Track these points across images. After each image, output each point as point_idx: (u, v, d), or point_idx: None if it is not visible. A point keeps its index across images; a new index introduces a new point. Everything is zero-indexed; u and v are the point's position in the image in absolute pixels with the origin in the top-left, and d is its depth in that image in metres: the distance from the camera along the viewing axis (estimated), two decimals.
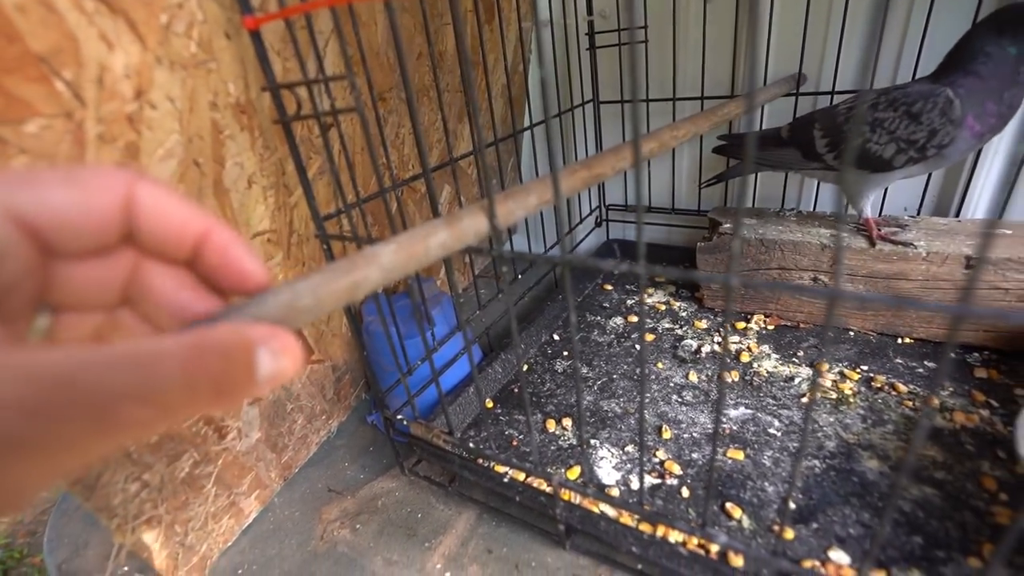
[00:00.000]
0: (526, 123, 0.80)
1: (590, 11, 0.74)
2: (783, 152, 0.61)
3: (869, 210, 0.59)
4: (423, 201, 0.68)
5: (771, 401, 0.54)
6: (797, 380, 0.56)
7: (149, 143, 0.33)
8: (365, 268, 0.18)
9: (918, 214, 0.68)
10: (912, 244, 0.56)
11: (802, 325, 0.64)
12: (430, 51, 0.40)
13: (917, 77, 0.58)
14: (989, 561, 0.36)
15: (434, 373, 0.45)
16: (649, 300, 0.73)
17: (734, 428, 0.51)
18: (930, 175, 0.65)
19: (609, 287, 0.78)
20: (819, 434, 0.49)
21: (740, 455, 0.48)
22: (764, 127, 0.71)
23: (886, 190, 0.68)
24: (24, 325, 0.16)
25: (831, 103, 0.65)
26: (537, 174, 0.85)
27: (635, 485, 0.46)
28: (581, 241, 0.90)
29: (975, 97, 0.48)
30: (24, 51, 0.26)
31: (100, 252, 0.16)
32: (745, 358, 0.60)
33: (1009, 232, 0.56)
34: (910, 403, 0.51)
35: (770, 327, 0.65)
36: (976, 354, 0.56)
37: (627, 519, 0.41)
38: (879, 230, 0.58)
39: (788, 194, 0.75)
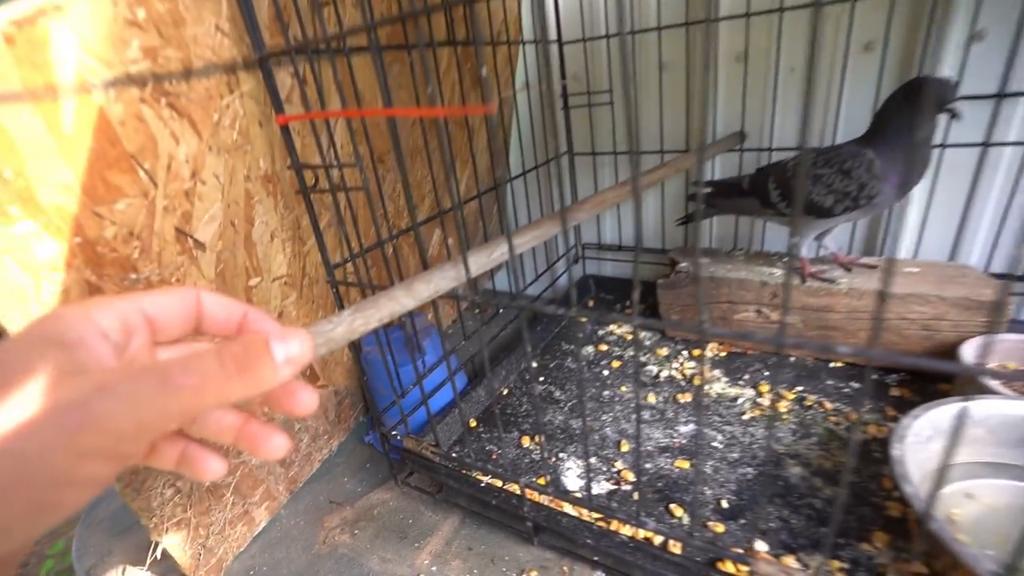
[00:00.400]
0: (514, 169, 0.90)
1: (563, 75, 0.86)
2: (745, 201, 0.71)
3: (805, 251, 0.69)
4: (415, 246, 0.77)
5: (717, 419, 0.62)
6: (741, 400, 0.65)
7: (199, 211, 0.42)
8: (390, 304, 0.27)
9: (849, 254, 0.78)
10: (834, 281, 0.65)
11: (749, 352, 0.73)
12: (421, 120, 0.50)
13: (842, 134, 0.69)
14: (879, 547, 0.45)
15: (423, 396, 0.54)
16: (619, 331, 0.82)
17: (683, 442, 0.59)
18: (853, 225, 0.76)
19: (583, 319, 0.87)
20: (754, 445, 0.57)
21: (686, 464, 0.56)
22: (716, 177, 0.82)
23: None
24: None
25: (769, 158, 0.76)
26: (516, 222, 0.95)
27: (596, 490, 0.54)
28: (559, 276, 0.99)
29: (893, 156, 0.58)
30: (121, 151, 0.35)
31: (182, 339, 0.24)
32: (697, 381, 0.69)
33: (917, 270, 0.66)
34: (834, 418, 0.60)
35: (722, 353, 0.74)
36: (894, 375, 0.65)
37: (586, 516, 0.49)
38: (810, 268, 0.68)
39: (740, 234, 0.85)
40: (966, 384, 0.56)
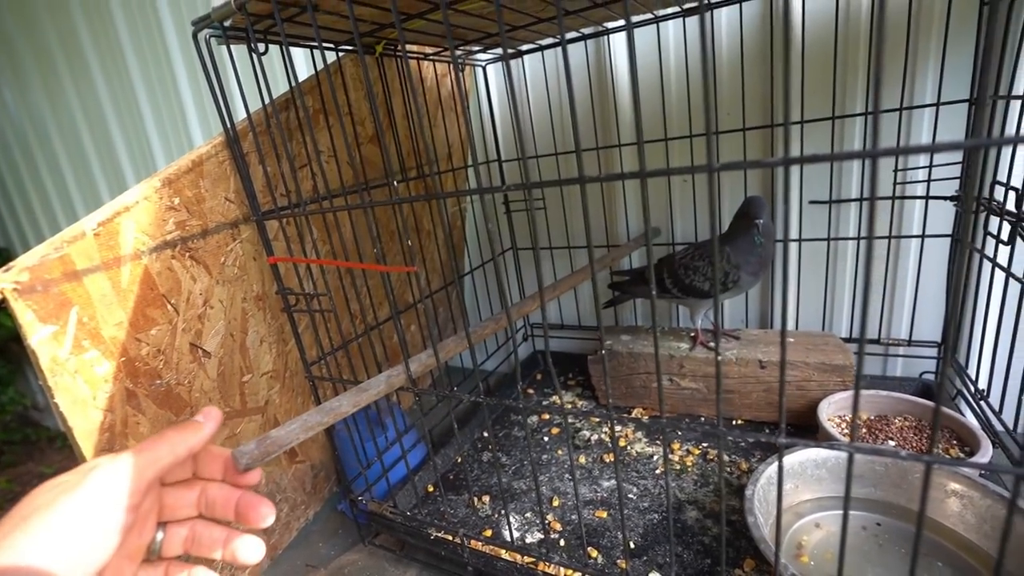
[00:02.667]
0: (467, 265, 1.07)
1: (503, 183, 1.05)
2: (646, 287, 0.88)
3: (699, 323, 0.85)
4: (377, 338, 0.92)
5: (635, 474, 0.75)
6: (656, 457, 0.78)
7: (207, 328, 0.57)
8: (330, 415, 0.42)
9: (746, 326, 0.95)
10: (718, 351, 0.81)
11: (666, 415, 0.88)
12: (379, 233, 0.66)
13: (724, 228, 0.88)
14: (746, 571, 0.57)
15: (383, 469, 0.67)
16: (559, 400, 0.96)
17: (604, 495, 0.72)
18: (747, 297, 0.93)
19: (531, 391, 1.01)
20: (662, 495, 0.71)
21: (604, 514, 0.69)
22: (634, 266, 1.00)
23: (723, 308, 0.95)
24: (149, 539, 0.33)
25: (672, 250, 0.94)
26: (478, 305, 1.12)
27: (529, 539, 0.66)
28: (511, 352, 1.14)
29: (743, 251, 0.75)
30: (157, 293, 0.51)
31: (184, 484, 0.35)
32: (623, 443, 0.82)
33: (792, 340, 0.83)
34: (729, 469, 0.74)
35: (644, 417, 0.88)
36: (783, 433, 0.79)
37: (518, 560, 0.61)
38: (702, 338, 0.84)
39: (660, 314, 1.01)
40: (826, 434, 0.71)
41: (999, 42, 0.62)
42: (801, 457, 0.64)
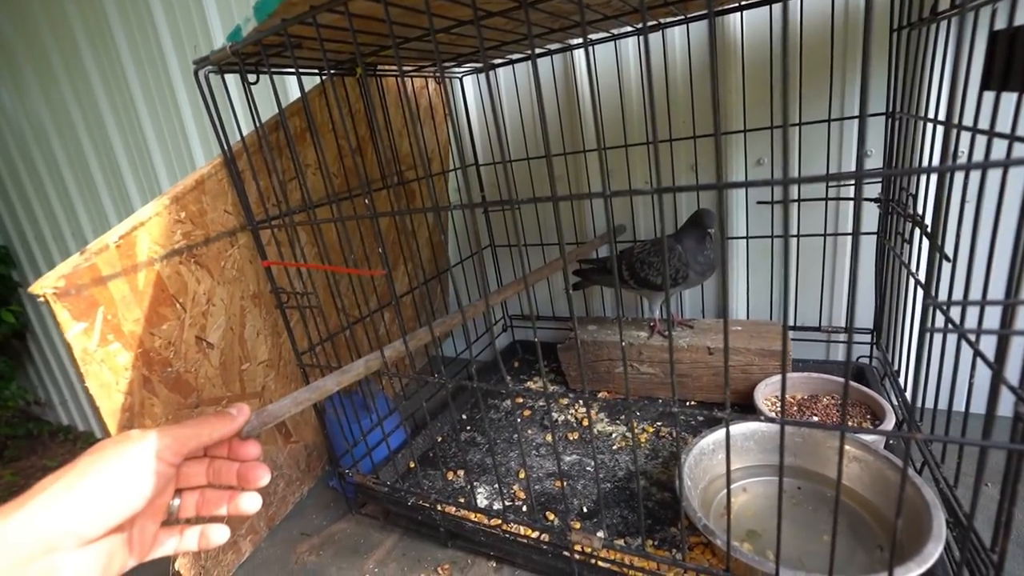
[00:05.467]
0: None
1: (482, 188, 1.14)
2: (607, 277, 0.98)
3: (657, 314, 0.95)
4: (368, 327, 1.02)
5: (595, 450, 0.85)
6: (615, 435, 0.88)
7: (211, 324, 0.67)
8: (319, 391, 0.51)
9: (703, 316, 1.05)
10: (672, 338, 0.91)
11: (628, 397, 0.98)
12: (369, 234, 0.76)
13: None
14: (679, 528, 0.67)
15: (367, 449, 0.76)
16: (533, 385, 1.06)
17: (565, 468, 0.82)
18: (703, 289, 1.03)
19: (508, 378, 1.11)
20: (616, 468, 0.81)
21: (562, 484, 0.79)
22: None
23: (683, 298, 1.05)
24: (167, 502, 0.40)
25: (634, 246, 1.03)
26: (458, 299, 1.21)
27: (497, 506, 0.76)
28: (491, 342, 1.24)
29: (693, 252, 0.85)
30: (167, 294, 0.60)
31: (197, 459, 0.43)
32: (586, 423, 0.92)
33: (739, 328, 0.92)
34: (679, 444, 0.84)
35: (609, 398, 0.98)
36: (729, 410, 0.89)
37: (484, 523, 0.71)
38: (659, 327, 0.94)
39: (626, 306, 1.11)
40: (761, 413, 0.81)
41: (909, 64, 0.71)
42: (733, 431, 0.73)
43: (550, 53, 0.96)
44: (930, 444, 0.67)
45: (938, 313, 0.45)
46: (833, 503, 0.43)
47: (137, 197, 1.71)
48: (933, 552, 0.49)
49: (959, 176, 0.53)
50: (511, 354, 1.20)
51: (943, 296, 0.57)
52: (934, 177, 0.57)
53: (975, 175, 0.58)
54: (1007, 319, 0.37)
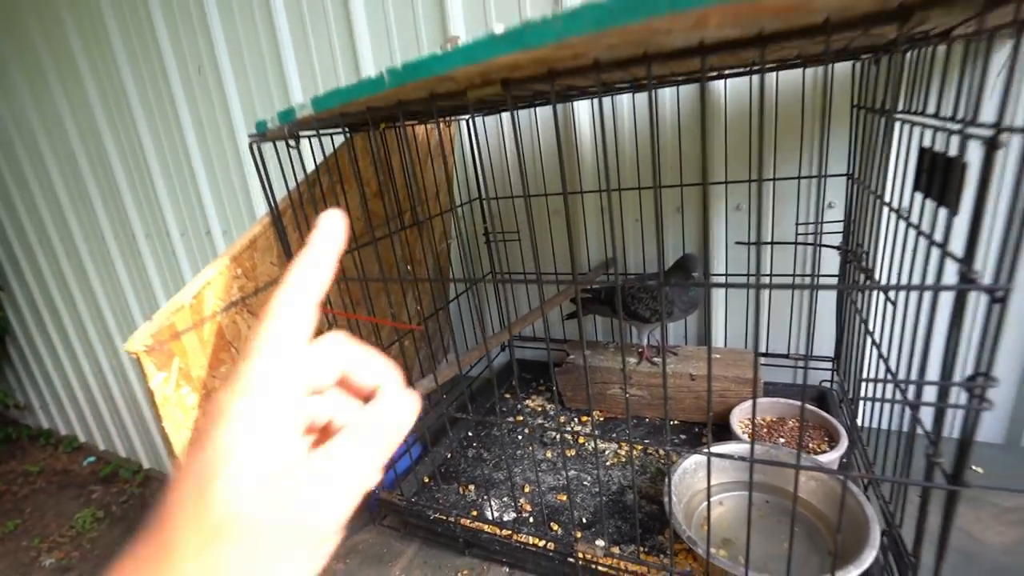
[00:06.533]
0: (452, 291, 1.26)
1: (485, 221, 1.24)
2: (602, 307, 1.09)
3: (645, 342, 1.07)
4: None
5: (590, 465, 0.97)
6: (608, 452, 1.00)
7: None
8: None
9: (686, 343, 1.17)
10: (657, 365, 1.03)
11: (619, 416, 1.09)
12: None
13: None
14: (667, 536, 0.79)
15: (391, 463, 0.86)
16: (531, 404, 1.17)
17: (565, 482, 0.93)
18: (686, 322, 1.15)
19: (507, 395, 1.22)
20: (610, 482, 0.92)
21: (564, 497, 0.90)
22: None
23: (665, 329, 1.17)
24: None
25: (626, 279, 1.15)
26: (463, 326, 1.31)
27: (506, 518, 0.87)
28: (492, 361, 1.34)
29: (678, 292, 0.97)
30: (225, 341, 0.69)
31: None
32: (582, 440, 1.04)
33: (718, 356, 1.05)
34: (663, 461, 0.96)
35: (601, 418, 1.10)
36: (705, 428, 1.02)
37: (497, 533, 0.82)
38: (648, 354, 1.06)
39: (615, 331, 1.23)
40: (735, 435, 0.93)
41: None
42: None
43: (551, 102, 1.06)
44: (872, 467, 0.80)
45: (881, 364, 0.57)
46: (789, 514, 0.55)
47: (129, 195, 1.73)
48: (869, 557, 0.61)
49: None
50: (509, 372, 1.31)
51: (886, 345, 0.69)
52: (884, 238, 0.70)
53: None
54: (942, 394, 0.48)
